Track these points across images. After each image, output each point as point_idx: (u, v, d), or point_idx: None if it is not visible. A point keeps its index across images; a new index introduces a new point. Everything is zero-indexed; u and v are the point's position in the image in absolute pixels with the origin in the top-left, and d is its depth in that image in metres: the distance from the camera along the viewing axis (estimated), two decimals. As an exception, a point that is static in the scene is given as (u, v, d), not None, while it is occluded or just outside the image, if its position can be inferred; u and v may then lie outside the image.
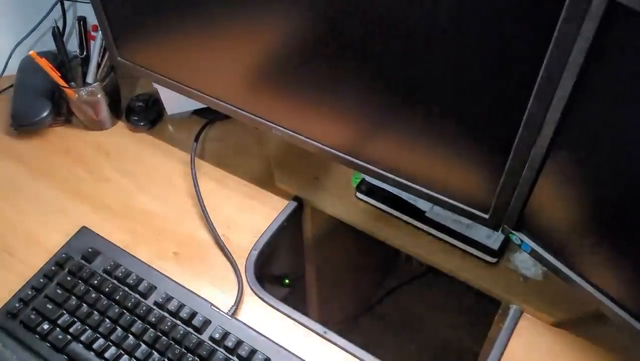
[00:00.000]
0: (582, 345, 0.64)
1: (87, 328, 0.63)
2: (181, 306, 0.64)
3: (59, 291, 0.66)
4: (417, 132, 0.58)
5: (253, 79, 0.67)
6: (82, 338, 0.62)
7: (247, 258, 0.73)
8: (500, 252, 0.70)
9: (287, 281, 0.94)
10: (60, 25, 0.89)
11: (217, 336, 0.62)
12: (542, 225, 0.56)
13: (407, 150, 0.60)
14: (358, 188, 0.77)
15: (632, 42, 0.39)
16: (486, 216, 0.59)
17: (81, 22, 0.84)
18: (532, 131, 0.49)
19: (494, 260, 0.70)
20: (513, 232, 0.58)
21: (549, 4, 0.41)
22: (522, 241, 0.58)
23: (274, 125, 0.69)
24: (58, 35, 0.84)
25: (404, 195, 0.74)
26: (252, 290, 0.70)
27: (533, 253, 0.58)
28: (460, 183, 0.59)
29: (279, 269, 0.90)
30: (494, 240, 0.70)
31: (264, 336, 0.63)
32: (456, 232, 0.71)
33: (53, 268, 0.69)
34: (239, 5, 0.59)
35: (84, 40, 0.85)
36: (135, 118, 0.88)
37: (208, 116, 0.87)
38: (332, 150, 0.66)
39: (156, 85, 0.88)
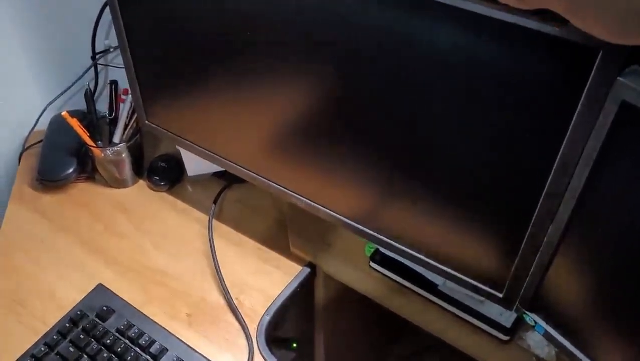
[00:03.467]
0: None
1: (97, 389, 0.63)
2: (191, 370, 0.65)
3: (71, 349, 0.67)
4: (432, 210, 0.59)
5: (271, 146, 0.69)
6: (91, 399, 0.62)
7: (258, 323, 0.73)
8: (512, 329, 0.69)
9: (294, 345, 0.94)
10: (92, 86, 0.93)
11: (225, 404, 0.62)
12: (557, 307, 0.56)
13: (422, 226, 0.62)
14: (372, 258, 0.77)
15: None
16: (500, 295, 0.59)
17: (113, 85, 0.88)
18: (548, 214, 0.50)
19: (506, 337, 0.69)
20: (527, 312, 0.58)
21: (564, 102, 0.44)
22: (535, 322, 0.58)
23: (289, 192, 0.71)
24: (90, 96, 0.88)
25: (418, 268, 0.75)
26: (262, 355, 0.70)
27: (546, 335, 0.58)
28: (474, 261, 0.60)
29: (287, 332, 0.89)
30: (506, 317, 0.70)
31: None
32: (468, 307, 0.71)
33: (67, 325, 0.69)
34: (262, 77, 0.63)
35: (114, 102, 0.89)
36: (157, 177, 0.90)
37: (227, 178, 0.90)
38: (346, 220, 0.68)
39: (178, 147, 0.91)
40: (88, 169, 0.91)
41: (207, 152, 0.77)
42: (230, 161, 0.75)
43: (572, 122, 0.44)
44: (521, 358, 0.68)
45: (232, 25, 0.61)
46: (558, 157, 0.46)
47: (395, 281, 0.76)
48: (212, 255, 0.79)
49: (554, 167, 0.47)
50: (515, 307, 0.59)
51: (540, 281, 0.55)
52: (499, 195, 0.53)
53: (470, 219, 0.57)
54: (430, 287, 0.73)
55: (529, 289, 0.57)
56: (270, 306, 0.75)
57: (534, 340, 0.69)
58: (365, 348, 1.13)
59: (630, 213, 0.45)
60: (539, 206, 0.50)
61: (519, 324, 0.70)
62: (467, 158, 0.52)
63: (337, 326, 0.96)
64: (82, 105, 0.92)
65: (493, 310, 0.70)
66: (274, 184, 0.72)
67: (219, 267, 0.78)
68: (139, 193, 0.91)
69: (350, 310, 0.96)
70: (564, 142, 0.45)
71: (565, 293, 0.55)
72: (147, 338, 0.67)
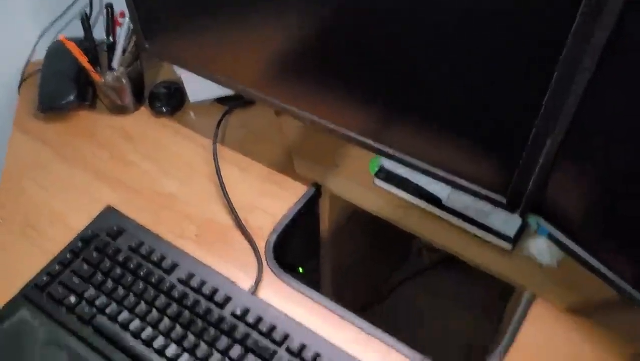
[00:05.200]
0: (597, 331, 0.65)
1: (113, 301, 0.65)
2: (203, 283, 0.66)
3: (85, 266, 0.68)
4: (435, 120, 0.59)
5: (274, 65, 0.68)
6: (108, 311, 0.64)
7: (266, 241, 0.74)
8: (515, 239, 0.71)
9: (301, 270, 0.96)
10: (88, 12, 0.91)
11: (238, 312, 0.64)
12: (560, 209, 0.57)
13: (426, 135, 0.62)
14: (376, 174, 0.78)
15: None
16: (504, 199, 0.60)
17: (108, 9, 0.86)
18: (550, 115, 0.50)
19: (510, 246, 0.71)
20: (531, 215, 0.59)
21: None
22: (539, 225, 0.59)
23: (294, 110, 0.71)
24: (86, 21, 0.87)
25: (422, 183, 0.75)
26: (271, 270, 0.72)
27: (550, 237, 0.59)
28: (478, 168, 0.60)
29: (295, 256, 0.91)
30: (510, 227, 0.71)
31: (283, 313, 0.65)
32: (473, 220, 0.72)
33: (79, 244, 0.71)
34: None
35: (111, 26, 0.87)
36: (158, 104, 0.90)
37: (229, 104, 0.89)
38: (351, 134, 0.68)
39: (179, 73, 0.90)
40: (89, 97, 0.91)
41: (211, 74, 0.77)
42: (234, 81, 0.75)
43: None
44: (525, 265, 0.70)
45: None
46: (562, 55, 0.46)
47: (399, 197, 0.77)
48: (218, 178, 0.80)
49: (559, 62, 0.47)
50: (519, 211, 0.60)
51: (544, 184, 0.56)
52: (501, 99, 0.53)
53: (473, 125, 0.57)
54: (435, 202, 0.74)
55: (532, 192, 0.58)
56: (277, 224, 0.76)
57: (536, 248, 0.71)
58: (369, 271, 1.15)
59: (633, 112, 0.45)
60: (543, 107, 0.50)
61: (522, 234, 0.72)
62: (468, 67, 0.52)
63: (343, 249, 0.98)
64: (78, 33, 0.90)
65: (496, 222, 0.72)
66: (280, 103, 0.72)
67: (225, 189, 0.79)
68: (141, 120, 0.91)
69: (356, 232, 0.98)
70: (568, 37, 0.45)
71: (568, 195, 0.56)
72: (159, 255, 0.69)
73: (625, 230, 0.53)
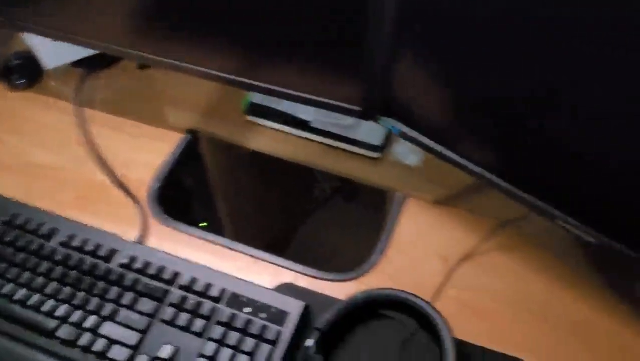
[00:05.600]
0: (464, 215, 0.72)
1: (-8, 277, 0.64)
2: (85, 241, 0.66)
3: (-43, 249, 0.66)
4: (283, 48, 0.62)
5: (135, 16, 0.68)
6: (-12, 287, 0.63)
7: (148, 191, 0.75)
8: (382, 147, 0.76)
9: (205, 223, 0.97)
10: None
11: (124, 261, 0.64)
12: (408, 107, 0.61)
13: (277, 60, 0.64)
14: (247, 111, 0.80)
15: None
16: (359, 108, 0.64)
17: None
18: (377, 18, 0.54)
19: (377, 155, 0.76)
20: (383, 118, 0.64)
21: None
22: (392, 126, 0.63)
23: (161, 59, 0.71)
24: None
25: (290, 111, 0.78)
26: (156, 219, 0.72)
27: (403, 135, 0.64)
28: (330, 82, 0.64)
29: (190, 207, 0.92)
30: (375, 137, 0.76)
31: (171, 255, 0.66)
32: (340, 135, 0.76)
33: (-53, 229, 0.68)
34: None
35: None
36: (13, 77, 0.86)
37: (88, 65, 0.87)
38: (218, 73, 0.69)
39: (30, 41, 0.86)
40: None
41: (67, 35, 0.74)
42: (93, 40, 0.73)
43: None
44: (393, 169, 0.76)
45: None
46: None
47: (272, 128, 0.80)
48: (87, 140, 0.79)
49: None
50: (374, 117, 0.64)
51: (388, 84, 0.60)
52: (328, 13, 0.56)
53: (313, 44, 0.60)
54: (304, 125, 0.78)
55: (380, 97, 0.62)
56: (157, 174, 0.77)
57: (401, 152, 0.76)
58: (272, 210, 1.18)
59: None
60: (369, 13, 0.54)
61: (388, 142, 0.77)
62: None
63: (239, 191, 1.00)
64: None
65: (362, 134, 0.76)
66: (143, 54, 0.71)
67: (98, 149, 0.78)
68: (-2, 96, 0.87)
69: (248, 172, 1.00)
70: None
71: (411, 93, 0.60)
72: (34, 224, 0.68)
73: (470, 117, 0.57)
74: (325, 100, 0.66)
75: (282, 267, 0.69)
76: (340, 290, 0.66)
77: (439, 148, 0.62)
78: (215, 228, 1.02)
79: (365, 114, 0.65)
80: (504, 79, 0.50)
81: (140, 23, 0.68)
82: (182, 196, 0.83)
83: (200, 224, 0.96)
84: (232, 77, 0.69)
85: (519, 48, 0.47)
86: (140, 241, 0.69)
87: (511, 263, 0.67)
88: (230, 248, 0.70)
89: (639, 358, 0.60)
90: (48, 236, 0.67)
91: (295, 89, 0.67)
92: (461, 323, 0.62)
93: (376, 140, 0.75)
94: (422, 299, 0.61)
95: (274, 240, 1.22)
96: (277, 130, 0.80)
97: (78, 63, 0.87)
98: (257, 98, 0.80)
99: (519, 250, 0.68)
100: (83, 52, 0.85)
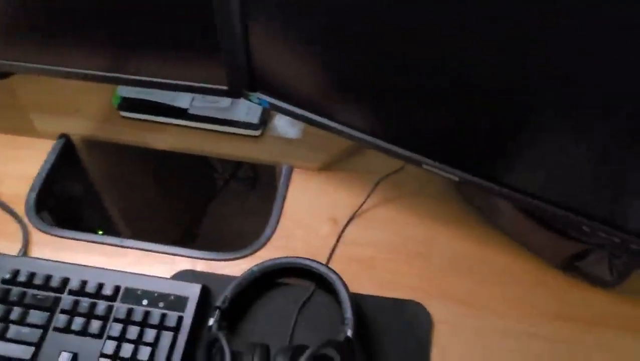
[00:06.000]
0: (345, 178, 0.75)
1: None
2: (-39, 263, 0.63)
3: None
4: (141, 36, 0.62)
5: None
6: None
7: (25, 202, 0.72)
8: (261, 124, 0.77)
9: (100, 232, 0.94)
10: None
11: (7, 276, 0.62)
12: (273, 79, 0.63)
13: (141, 51, 0.64)
14: (120, 107, 0.78)
15: None
16: (225, 87, 0.65)
17: None
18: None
19: (257, 132, 0.77)
20: (250, 93, 0.65)
21: None
22: (259, 99, 0.65)
23: (27, 65, 0.68)
24: None
25: (165, 100, 0.77)
26: (38, 229, 0.70)
27: (273, 107, 0.65)
28: (197, 68, 0.64)
29: (81, 215, 0.89)
30: (252, 115, 0.77)
31: (58, 261, 0.64)
32: (218, 119, 0.77)
33: None
34: None
35: None
36: None
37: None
38: (84, 71, 0.67)
39: None
40: None
41: None
42: None
43: None
44: (274, 144, 0.77)
45: None
46: None
47: (148, 121, 0.79)
48: (-48, 160, 0.74)
49: None
50: (242, 93, 0.66)
51: (249, 62, 0.61)
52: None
53: (172, 33, 0.61)
54: (181, 113, 0.77)
55: (243, 74, 0.63)
56: (32, 184, 0.74)
57: (280, 127, 0.78)
58: (166, 202, 1.17)
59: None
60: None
61: (266, 119, 0.79)
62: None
63: (126, 189, 0.98)
64: None
65: (241, 114, 0.77)
66: (4, 61, 0.68)
67: (-37, 168, 0.74)
68: None
69: (129, 167, 0.98)
70: None
71: (271, 66, 0.62)
72: None
73: (334, 81, 0.60)
74: (192, 84, 0.66)
75: (178, 255, 0.69)
76: (239, 268, 0.67)
77: (309, 115, 0.65)
78: (110, 230, 1.00)
79: (232, 92, 0.66)
80: (357, 37, 0.53)
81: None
82: (66, 202, 0.80)
83: (99, 232, 0.94)
84: (99, 73, 0.67)
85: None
86: (23, 254, 0.67)
87: (394, 214, 0.72)
88: (119, 246, 0.69)
89: (516, 278, 0.66)
90: None
91: (162, 77, 0.66)
92: (355, 278, 0.65)
93: (254, 119, 0.76)
94: (315, 260, 0.64)
95: (179, 235, 1.21)
96: (154, 122, 0.79)
97: None
98: (127, 92, 0.78)
99: (399, 201, 0.73)
100: None
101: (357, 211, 0.71)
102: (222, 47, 0.60)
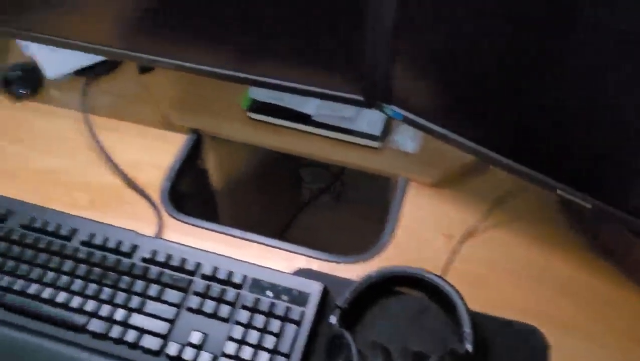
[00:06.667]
0: (459, 196, 0.76)
1: (19, 278, 0.65)
2: (106, 239, 0.68)
3: (-22, 255, 0.67)
4: (282, 38, 0.66)
5: (131, 18, 0.70)
6: (16, 287, 0.65)
7: (159, 190, 0.77)
8: (382, 137, 0.80)
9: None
10: None
11: (147, 255, 0.67)
12: (409, 94, 0.66)
13: (281, 54, 0.68)
14: (249, 108, 0.83)
15: None
16: (361, 97, 0.68)
17: None
18: (377, 9, 0.58)
19: (378, 144, 0.80)
20: (386, 105, 0.68)
21: None
22: (394, 111, 0.67)
23: (164, 60, 0.74)
24: None
25: (292, 106, 0.82)
26: (171, 215, 0.75)
27: (406, 120, 0.68)
28: (332, 74, 0.67)
29: (201, 206, 0.95)
30: (374, 128, 0.80)
31: (191, 247, 0.69)
32: (342, 128, 0.80)
33: (-35, 235, 0.69)
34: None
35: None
36: (15, 87, 0.87)
37: (90, 73, 0.89)
38: (219, 70, 0.72)
39: (30, 51, 0.88)
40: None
41: (66, 40, 0.76)
42: (93, 44, 0.75)
43: None
44: (393, 157, 0.80)
45: None
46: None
47: (274, 124, 0.83)
48: (97, 144, 0.81)
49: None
50: (377, 105, 0.68)
51: (389, 76, 0.64)
52: (328, 7, 0.60)
53: (314, 36, 0.64)
54: (306, 119, 0.81)
55: (381, 86, 0.66)
56: (166, 174, 0.79)
57: (400, 141, 0.80)
58: (271, 206, 1.21)
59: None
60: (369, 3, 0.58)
61: (387, 132, 0.81)
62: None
63: (241, 192, 1.03)
64: None
65: (363, 125, 0.80)
66: (143, 55, 0.74)
67: (107, 152, 0.80)
68: (0, 108, 0.88)
69: (246, 169, 1.03)
70: None
71: (412, 80, 0.64)
72: (54, 225, 0.69)
73: (467, 97, 0.62)
74: (329, 92, 0.69)
75: (296, 253, 0.72)
76: (353, 271, 0.69)
77: (440, 130, 0.66)
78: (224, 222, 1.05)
79: (368, 103, 0.68)
80: (493, 55, 0.55)
81: (139, 25, 0.71)
82: (191, 193, 0.85)
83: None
84: (235, 73, 0.72)
85: (503, 26, 0.51)
86: (158, 236, 0.72)
87: (507, 235, 0.72)
88: (243, 239, 0.73)
89: (623, 310, 0.65)
90: (68, 237, 0.69)
91: (299, 82, 0.70)
92: (469, 294, 0.66)
93: (376, 130, 0.79)
94: (433, 273, 0.65)
95: (278, 231, 1.25)
96: (279, 125, 0.83)
97: (81, 72, 0.89)
98: (258, 95, 0.83)
99: (512, 223, 0.73)
100: (83, 61, 0.87)
101: (473, 228, 0.72)
102: (367, 60, 0.63)
